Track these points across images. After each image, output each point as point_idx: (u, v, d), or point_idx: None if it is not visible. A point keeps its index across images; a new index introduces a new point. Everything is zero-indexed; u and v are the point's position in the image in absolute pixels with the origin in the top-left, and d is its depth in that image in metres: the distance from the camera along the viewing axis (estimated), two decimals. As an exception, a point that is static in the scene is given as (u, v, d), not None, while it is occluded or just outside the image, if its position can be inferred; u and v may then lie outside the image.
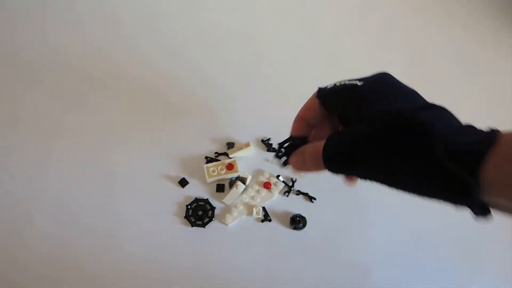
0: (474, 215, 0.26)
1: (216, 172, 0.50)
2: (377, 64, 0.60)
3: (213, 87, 0.57)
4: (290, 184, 0.51)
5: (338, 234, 0.49)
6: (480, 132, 0.26)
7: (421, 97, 0.31)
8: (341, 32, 0.62)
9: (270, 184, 0.50)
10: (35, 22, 0.62)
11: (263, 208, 0.50)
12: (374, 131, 0.29)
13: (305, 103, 0.37)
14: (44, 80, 0.57)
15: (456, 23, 0.63)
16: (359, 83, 0.33)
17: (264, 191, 0.50)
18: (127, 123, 0.54)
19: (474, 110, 0.57)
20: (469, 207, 0.26)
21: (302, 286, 0.46)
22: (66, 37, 0.61)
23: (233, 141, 0.53)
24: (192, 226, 0.48)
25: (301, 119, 0.38)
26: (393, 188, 0.29)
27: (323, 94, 0.35)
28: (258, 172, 0.52)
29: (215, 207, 0.50)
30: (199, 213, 0.49)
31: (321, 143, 0.32)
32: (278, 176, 0.51)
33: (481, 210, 0.26)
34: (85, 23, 0.62)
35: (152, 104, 0.56)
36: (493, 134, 0.25)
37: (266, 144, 0.53)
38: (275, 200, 0.50)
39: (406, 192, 0.29)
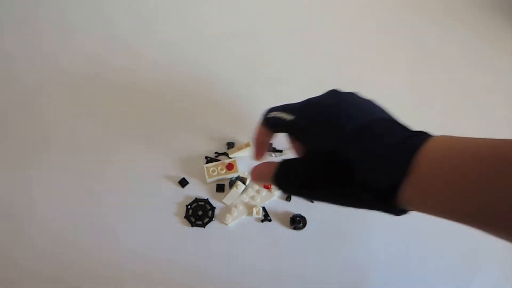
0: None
1: (216, 172, 0.50)
2: (378, 64, 0.60)
3: (213, 87, 0.57)
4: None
5: (338, 234, 0.49)
6: (399, 158, 0.28)
7: (351, 117, 0.33)
8: (342, 32, 0.62)
9: (270, 184, 0.50)
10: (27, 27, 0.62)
11: (263, 208, 0.50)
12: (309, 167, 0.33)
13: (256, 129, 0.41)
14: (40, 81, 0.57)
15: (459, 22, 0.63)
16: (291, 119, 0.36)
17: (264, 191, 0.50)
18: (127, 123, 0.54)
19: (473, 110, 0.57)
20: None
21: (302, 286, 0.46)
22: (60, 40, 0.61)
23: (233, 141, 0.53)
24: (192, 226, 0.48)
25: (259, 143, 0.42)
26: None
27: (266, 124, 0.39)
28: (258, 172, 0.52)
29: (215, 207, 0.50)
30: (199, 213, 0.49)
31: (274, 167, 0.35)
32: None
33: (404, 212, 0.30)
34: (78, 25, 0.62)
35: (152, 104, 0.56)
36: (409, 160, 0.27)
37: (266, 144, 0.53)
38: (275, 200, 0.50)
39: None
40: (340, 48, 0.61)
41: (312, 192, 0.34)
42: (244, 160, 0.52)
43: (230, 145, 0.53)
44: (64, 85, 0.57)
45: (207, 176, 0.49)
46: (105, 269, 0.47)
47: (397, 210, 0.29)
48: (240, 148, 0.51)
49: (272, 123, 0.38)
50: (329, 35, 0.62)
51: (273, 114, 0.38)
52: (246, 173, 0.51)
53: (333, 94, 0.35)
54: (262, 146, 0.42)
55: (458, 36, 0.63)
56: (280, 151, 0.52)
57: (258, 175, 0.38)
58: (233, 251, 0.48)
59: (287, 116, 0.36)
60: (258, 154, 0.43)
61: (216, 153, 0.52)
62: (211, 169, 0.50)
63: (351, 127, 0.31)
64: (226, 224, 0.49)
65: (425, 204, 0.27)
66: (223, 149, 0.53)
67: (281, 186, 0.35)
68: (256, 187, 0.50)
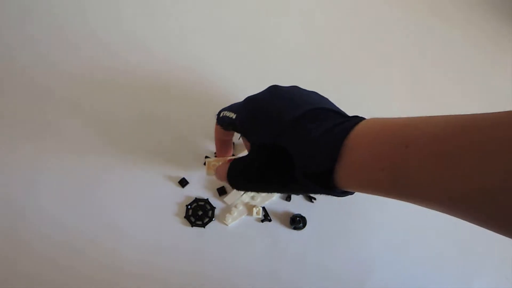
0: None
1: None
2: (376, 64, 0.60)
3: (213, 87, 0.57)
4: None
5: (338, 234, 0.49)
6: (334, 144, 0.30)
7: (286, 109, 0.34)
8: (341, 32, 0.62)
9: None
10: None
11: (263, 208, 0.50)
12: (253, 162, 0.35)
13: (215, 132, 0.44)
14: (37, 84, 0.57)
15: (454, 23, 0.63)
16: (234, 117, 0.38)
17: (264, 191, 0.50)
18: (126, 123, 0.54)
19: (473, 110, 0.57)
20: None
21: (302, 286, 0.46)
22: (58, 46, 0.61)
23: (233, 141, 0.53)
24: (192, 226, 0.48)
25: (219, 141, 0.44)
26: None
27: (219, 123, 0.41)
28: (258, 172, 0.52)
29: (215, 207, 0.50)
30: (199, 213, 0.49)
31: (227, 167, 0.38)
32: None
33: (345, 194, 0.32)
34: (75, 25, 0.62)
35: (152, 104, 0.56)
36: (340, 143, 0.29)
37: (266, 144, 0.53)
38: (275, 200, 0.50)
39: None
40: (340, 48, 0.61)
41: (259, 186, 0.36)
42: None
43: (230, 145, 0.53)
44: (65, 85, 0.57)
45: (207, 170, 0.49)
46: (104, 269, 0.47)
47: (339, 192, 0.31)
48: (241, 151, 0.51)
49: (222, 122, 0.40)
50: (330, 35, 0.62)
51: (222, 113, 0.40)
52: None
53: (273, 89, 0.37)
54: (223, 143, 0.44)
55: (453, 37, 0.63)
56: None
57: (218, 175, 0.41)
58: (233, 251, 0.48)
59: (232, 115, 0.38)
60: (220, 151, 0.45)
61: (216, 153, 0.52)
62: (212, 163, 0.49)
63: (288, 119, 0.32)
64: (226, 224, 0.49)
65: (357, 183, 0.29)
66: (223, 149, 0.53)
67: (232, 183, 0.38)
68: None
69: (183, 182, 0.51)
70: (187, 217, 0.49)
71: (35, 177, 0.51)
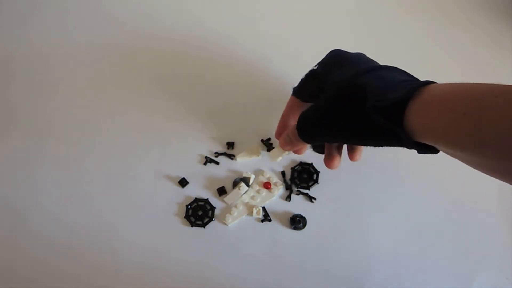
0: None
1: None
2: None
3: (213, 87, 0.57)
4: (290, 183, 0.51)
5: (338, 234, 0.49)
6: (411, 86, 0.30)
7: (368, 61, 0.39)
8: (341, 33, 0.62)
9: (270, 184, 0.50)
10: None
11: (263, 208, 0.50)
12: (326, 102, 0.36)
13: (286, 105, 0.45)
14: (39, 76, 0.57)
15: (456, 23, 0.63)
16: (315, 68, 0.41)
17: (264, 191, 0.50)
18: (126, 123, 0.54)
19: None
20: (409, 148, 0.31)
21: (302, 286, 0.46)
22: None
23: (233, 141, 0.53)
24: (192, 226, 0.48)
25: (284, 119, 0.45)
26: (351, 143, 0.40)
27: (296, 90, 0.43)
28: (258, 172, 0.52)
29: (215, 207, 0.50)
30: (199, 213, 0.49)
31: (294, 125, 0.40)
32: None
33: (423, 148, 0.31)
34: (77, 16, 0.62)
35: (152, 104, 0.56)
36: (418, 86, 0.30)
37: (266, 144, 0.53)
38: (275, 200, 0.50)
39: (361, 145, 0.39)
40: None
41: (330, 130, 0.35)
42: (249, 162, 0.52)
43: (230, 145, 0.53)
44: (66, 85, 0.57)
45: (272, 156, 0.47)
46: (104, 269, 0.47)
47: (408, 140, 0.30)
48: (249, 156, 0.51)
49: (299, 84, 0.43)
50: (330, 35, 0.62)
51: (302, 77, 0.43)
52: (249, 173, 0.51)
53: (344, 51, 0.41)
54: (286, 121, 0.45)
55: (456, 36, 0.63)
56: (280, 151, 0.52)
57: (284, 139, 0.42)
58: (233, 251, 0.48)
59: (314, 67, 0.42)
60: (281, 128, 0.45)
61: (216, 153, 0.52)
62: (275, 151, 0.47)
63: (365, 66, 0.36)
64: (226, 224, 0.49)
65: (431, 124, 0.29)
66: (223, 149, 0.53)
67: (304, 135, 0.39)
68: (257, 187, 0.50)
69: (183, 182, 0.51)
70: (187, 217, 0.49)
71: (33, 176, 0.51)
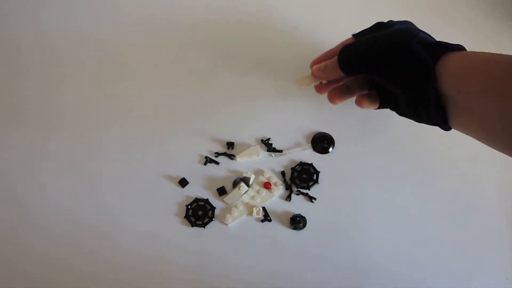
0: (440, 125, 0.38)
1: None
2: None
3: (213, 86, 0.57)
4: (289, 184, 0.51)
5: (338, 234, 0.49)
6: (439, 45, 0.38)
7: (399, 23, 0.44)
8: (341, 33, 0.62)
9: (270, 185, 0.50)
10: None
11: (263, 208, 0.50)
12: (376, 36, 0.40)
13: (342, 42, 0.47)
14: (40, 71, 0.57)
15: (454, 23, 0.63)
16: (386, 21, 0.45)
17: (264, 191, 0.50)
18: (126, 123, 0.54)
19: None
20: (430, 99, 0.36)
21: (302, 286, 0.46)
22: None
23: (233, 141, 0.53)
24: (192, 226, 0.48)
25: (329, 53, 0.48)
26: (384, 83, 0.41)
27: (358, 33, 0.46)
28: (258, 172, 0.52)
29: (215, 207, 0.49)
30: (199, 213, 0.49)
31: (336, 56, 0.43)
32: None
33: (439, 107, 0.37)
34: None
35: (152, 104, 0.56)
36: (460, 48, 0.38)
37: (266, 144, 0.53)
38: (275, 200, 0.50)
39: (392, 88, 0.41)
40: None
41: (371, 60, 0.40)
42: (249, 162, 0.52)
43: (230, 145, 0.53)
44: (66, 84, 0.57)
45: (298, 84, 0.49)
46: (104, 269, 0.46)
47: (434, 82, 0.35)
48: (249, 156, 0.51)
49: (366, 29, 0.46)
50: (330, 36, 0.62)
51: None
52: (249, 173, 0.51)
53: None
54: (330, 55, 0.46)
55: (455, 37, 0.63)
56: (280, 151, 0.52)
57: (319, 67, 0.45)
58: (233, 251, 0.48)
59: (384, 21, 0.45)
60: (319, 59, 0.48)
61: (216, 153, 0.52)
62: (304, 79, 0.49)
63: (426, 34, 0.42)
64: (226, 224, 0.48)
65: (457, 71, 0.34)
66: (223, 149, 0.53)
67: (344, 63, 0.42)
68: (257, 187, 0.50)
69: (183, 182, 0.51)
70: (187, 217, 0.49)
71: (37, 173, 0.51)
